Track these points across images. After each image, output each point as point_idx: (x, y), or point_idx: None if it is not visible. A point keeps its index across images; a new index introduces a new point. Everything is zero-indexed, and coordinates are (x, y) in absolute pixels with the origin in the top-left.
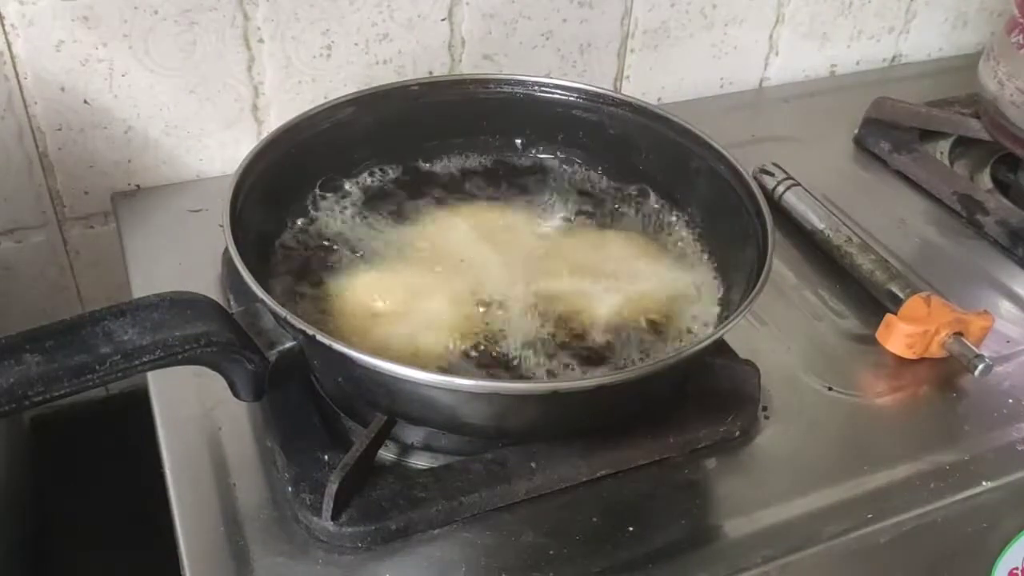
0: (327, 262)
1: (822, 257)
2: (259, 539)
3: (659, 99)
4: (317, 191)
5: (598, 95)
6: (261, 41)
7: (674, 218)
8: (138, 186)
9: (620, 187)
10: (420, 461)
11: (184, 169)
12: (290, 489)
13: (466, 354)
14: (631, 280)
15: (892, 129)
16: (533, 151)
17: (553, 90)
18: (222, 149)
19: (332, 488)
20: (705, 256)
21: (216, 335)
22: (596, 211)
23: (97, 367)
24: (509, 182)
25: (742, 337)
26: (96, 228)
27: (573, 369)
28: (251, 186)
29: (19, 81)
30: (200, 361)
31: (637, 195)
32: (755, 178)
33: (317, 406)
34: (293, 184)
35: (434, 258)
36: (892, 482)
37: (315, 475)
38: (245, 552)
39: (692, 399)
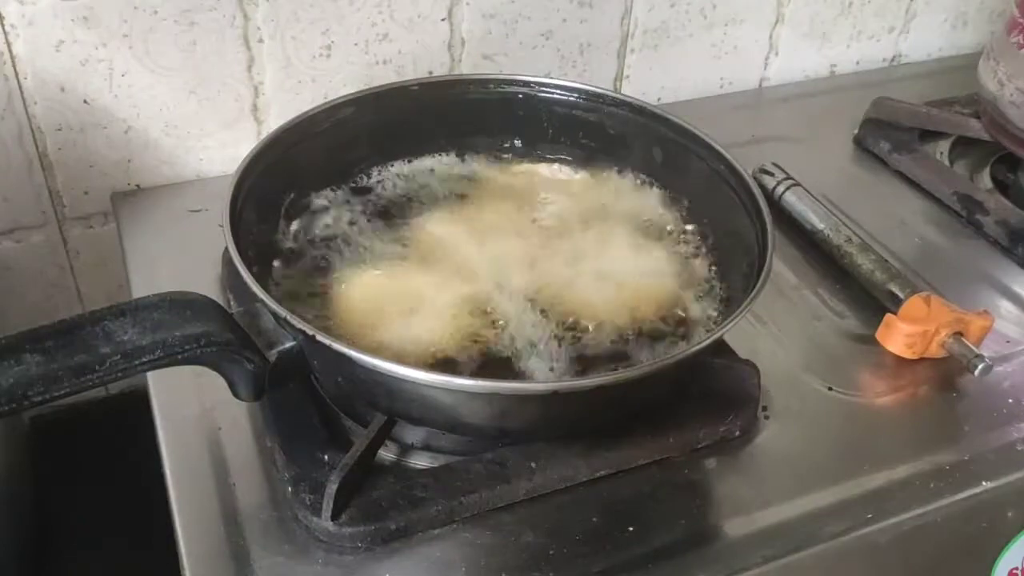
0: (327, 262)
1: (822, 257)
2: (259, 539)
3: (659, 99)
4: (317, 191)
5: (598, 95)
6: (261, 41)
7: (674, 218)
8: (138, 186)
9: (620, 187)
10: (420, 461)
11: (184, 169)
12: (290, 489)
13: (466, 354)
14: (630, 280)
15: (892, 129)
16: (533, 151)
17: (553, 90)
18: (222, 149)
19: (332, 488)
20: (705, 256)
21: (216, 335)
22: (596, 211)
23: (97, 367)
24: (509, 182)
25: (742, 337)
26: (96, 228)
27: (573, 369)
28: (251, 186)
29: (19, 81)
30: (200, 361)
31: (637, 195)
32: (755, 178)
33: (317, 406)
34: (293, 184)
35: (434, 258)
36: (892, 482)
37: (315, 475)
38: (245, 552)
39: (692, 399)
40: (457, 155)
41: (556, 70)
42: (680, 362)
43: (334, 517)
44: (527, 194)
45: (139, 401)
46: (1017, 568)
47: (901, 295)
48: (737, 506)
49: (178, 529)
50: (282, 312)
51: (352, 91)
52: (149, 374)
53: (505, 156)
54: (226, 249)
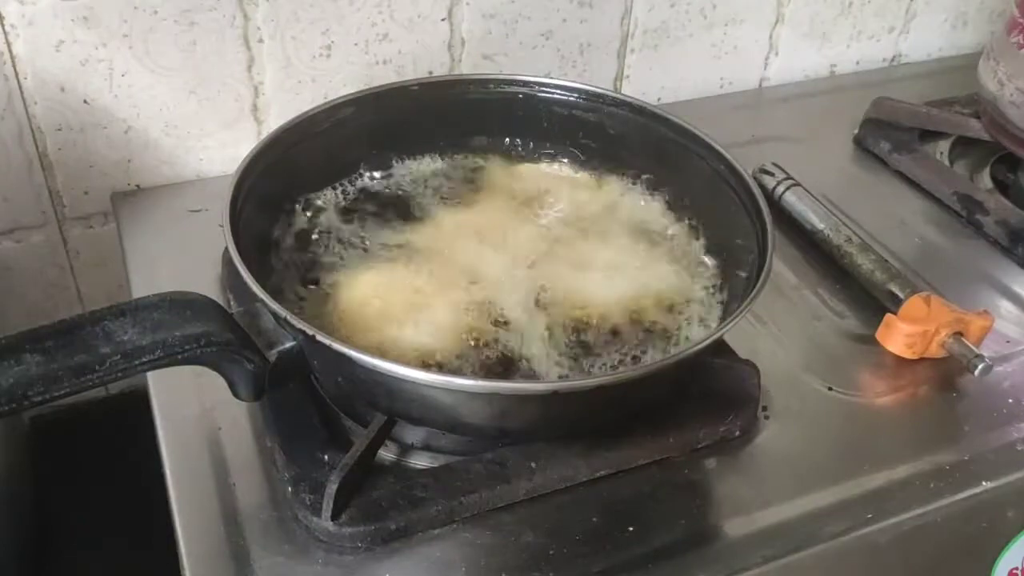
0: (327, 262)
1: (822, 257)
2: (259, 539)
3: (659, 99)
4: (317, 191)
5: (598, 95)
6: (261, 41)
7: (674, 218)
8: (138, 186)
9: (620, 187)
10: (420, 461)
11: (184, 169)
12: (290, 489)
13: (466, 354)
14: (630, 280)
15: (892, 129)
16: (533, 151)
17: (553, 90)
18: (222, 149)
19: (332, 488)
20: (705, 256)
21: (216, 335)
22: (596, 211)
23: (97, 367)
24: (509, 183)
25: (742, 337)
26: (96, 228)
27: (573, 369)
28: (251, 186)
29: (19, 81)
30: (200, 361)
31: (637, 195)
32: (755, 178)
33: (317, 406)
34: (293, 184)
35: (435, 257)
36: (892, 482)
37: (315, 475)
38: (245, 552)
39: (692, 399)
40: (457, 155)
41: (556, 70)
42: (680, 362)
43: (334, 517)
44: (527, 194)
45: (139, 401)
46: (1017, 568)
47: (901, 295)
48: (737, 506)
49: (178, 529)
50: (282, 312)
51: (352, 91)
52: (149, 374)
53: (505, 156)
54: (226, 249)
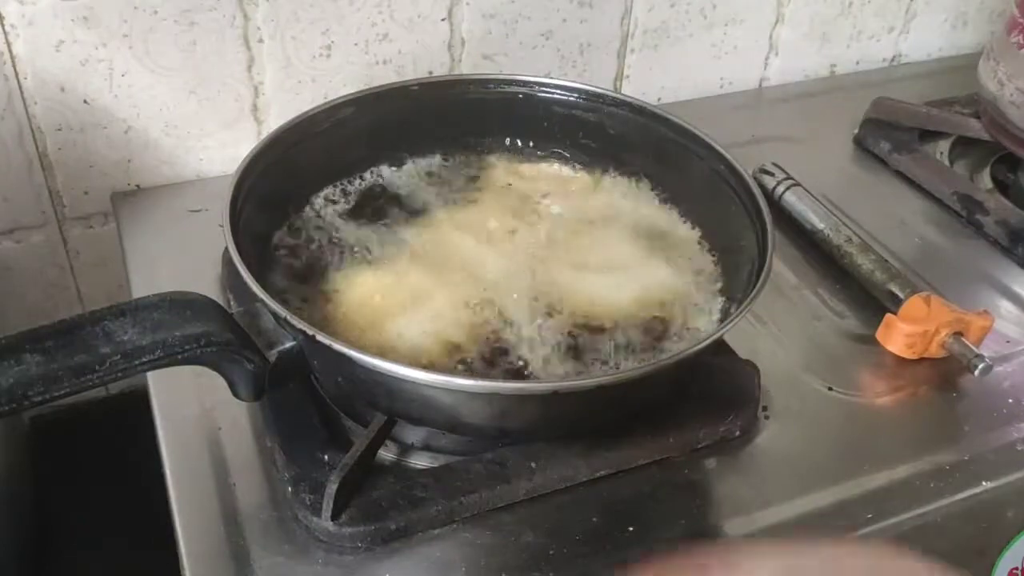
0: (327, 262)
1: (822, 257)
2: (259, 539)
3: (659, 99)
4: (317, 191)
5: (598, 95)
6: (261, 41)
7: (674, 218)
8: (138, 186)
9: (620, 187)
10: (420, 461)
11: (184, 169)
12: (290, 489)
13: (466, 353)
14: (631, 280)
15: (892, 129)
16: (533, 151)
17: (553, 90)
18: (222, 149)
19: (332, 488)
20: (705, 256)
21: (216, 335)
22: (596, 211)
23: (97, 367)
24: (509, 183)
25: (742, 337)
26: (96, 228)
27: (573, 369)
28: (251, 186)
29: (19, 81)
30: (200, 361)
31: (637, 195)
32: (755, 178)
33: (317, 406)
34: (293, 184)
35: (434, 257)
36: (892, 482)
37: (315, 475)
38: (245, 552)
39: (692, 399)
40: (457, 155)
41: (556, 70)
42: (680, 362)
43: (334, 517)
44: (527, 194)
45: (139, 401)
46: (1017, 568)
47: (901, 295)
48: (737, 506)
49: (178, 529)
50: (282, 312)
51: (352, 91)
52: (149, 374)
53: (505, 156)
54: (226, 249)
